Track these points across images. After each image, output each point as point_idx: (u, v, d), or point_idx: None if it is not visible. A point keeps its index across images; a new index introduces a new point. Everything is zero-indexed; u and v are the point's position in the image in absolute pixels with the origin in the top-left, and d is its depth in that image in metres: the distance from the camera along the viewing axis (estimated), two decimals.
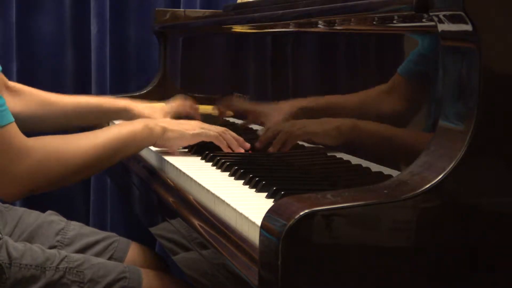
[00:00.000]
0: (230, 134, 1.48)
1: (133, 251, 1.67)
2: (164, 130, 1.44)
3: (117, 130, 1.41)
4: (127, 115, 1.71)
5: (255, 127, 1.58)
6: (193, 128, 1.48)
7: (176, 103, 1.82)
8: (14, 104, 1.55)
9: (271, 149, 1.42)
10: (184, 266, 1.19)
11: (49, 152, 1.28)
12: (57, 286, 1.36)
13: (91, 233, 1.65)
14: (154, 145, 1.47)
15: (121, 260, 1.60)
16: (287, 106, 1.42)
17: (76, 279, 1.38)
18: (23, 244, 1.42)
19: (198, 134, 1.47)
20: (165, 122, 1.49)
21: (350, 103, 1.20)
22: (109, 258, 1.59)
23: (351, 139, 1.18)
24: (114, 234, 1.70)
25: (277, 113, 1.45)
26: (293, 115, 1.39)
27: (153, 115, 1.69)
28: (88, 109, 1.76)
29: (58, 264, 1.38)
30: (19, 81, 2.39)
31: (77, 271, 1.39)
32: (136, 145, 1.42)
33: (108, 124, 1.81)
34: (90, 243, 1.61)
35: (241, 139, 1.48)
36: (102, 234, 1.66)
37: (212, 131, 1.47)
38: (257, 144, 1.48)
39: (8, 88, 1.66)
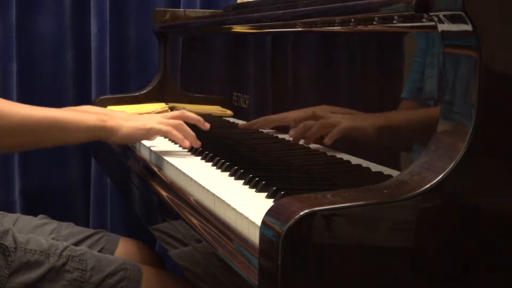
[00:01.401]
0: (185, 128, 1.49)
1: (127, 246, 1.70)
2: (119, 126, 1.43)
3: (65, 113, 1.42)
4: None
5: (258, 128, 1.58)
6: (148, 122, 1.46)
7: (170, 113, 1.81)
8: None
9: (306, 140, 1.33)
10: (184, 266, 1.19)
11: None
12: (61, 272, 1.40)
13: (82, 231, 1.70)
14: (108, 141, 1.46)
15: (112, 251, 1.65)
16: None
17: (79, 266, 1.42)
18: (28, 235, 1.46)
19: (151, 129, 1.45)
20: (120, 117, 1.46)
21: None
22: (101, 249, 1.64)
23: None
24: (103, 230, 1.75)
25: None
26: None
27: None
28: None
29: (62, 252, 1.42)
30: (19, 81, 2.40)
31: (79, 259, 1.43)
32: (83, 134, 1.42)
33: None
34: (83, 237, 1.66)
35: (193, 135, 1.48)
36: (92, 230, 1.72)
37: (167, 124, 1.46)
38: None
39: None
